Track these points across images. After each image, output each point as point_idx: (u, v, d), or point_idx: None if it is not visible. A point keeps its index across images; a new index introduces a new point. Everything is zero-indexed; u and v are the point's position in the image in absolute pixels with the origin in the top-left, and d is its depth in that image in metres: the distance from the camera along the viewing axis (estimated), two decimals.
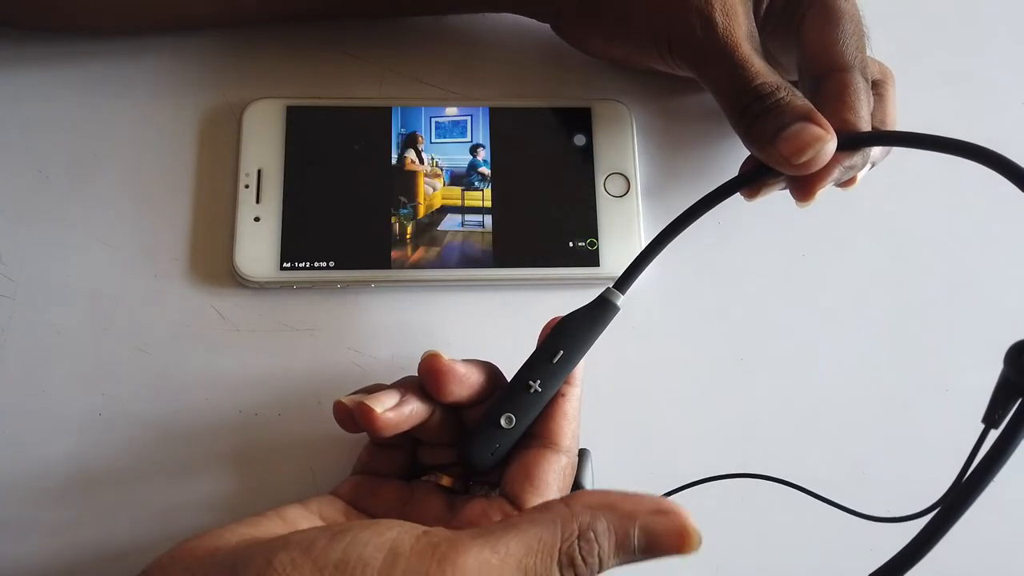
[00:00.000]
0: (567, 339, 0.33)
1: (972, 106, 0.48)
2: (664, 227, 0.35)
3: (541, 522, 0.25)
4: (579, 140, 0.44)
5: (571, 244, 0.42)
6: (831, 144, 0.33)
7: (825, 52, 0.36)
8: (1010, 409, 0.27)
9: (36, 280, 0.40)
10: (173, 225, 0.41)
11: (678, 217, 0.35)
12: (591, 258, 0.42)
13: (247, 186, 0.41)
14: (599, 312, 0.34)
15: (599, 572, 0.25)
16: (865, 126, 0.35)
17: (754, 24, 0.37)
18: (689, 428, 0.40)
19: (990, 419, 0.28)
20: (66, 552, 0.36)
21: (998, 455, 0.26)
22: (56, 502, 0.37)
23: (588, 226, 0.42)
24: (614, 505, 0.25)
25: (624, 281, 0.34)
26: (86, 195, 0.41)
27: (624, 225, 0.42)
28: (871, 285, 0.43)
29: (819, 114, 0.34)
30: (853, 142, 0.34)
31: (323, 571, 0.23)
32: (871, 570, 0.26)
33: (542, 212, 0.42)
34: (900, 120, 0.40)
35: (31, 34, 0.44)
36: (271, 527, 0.29)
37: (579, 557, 0.25)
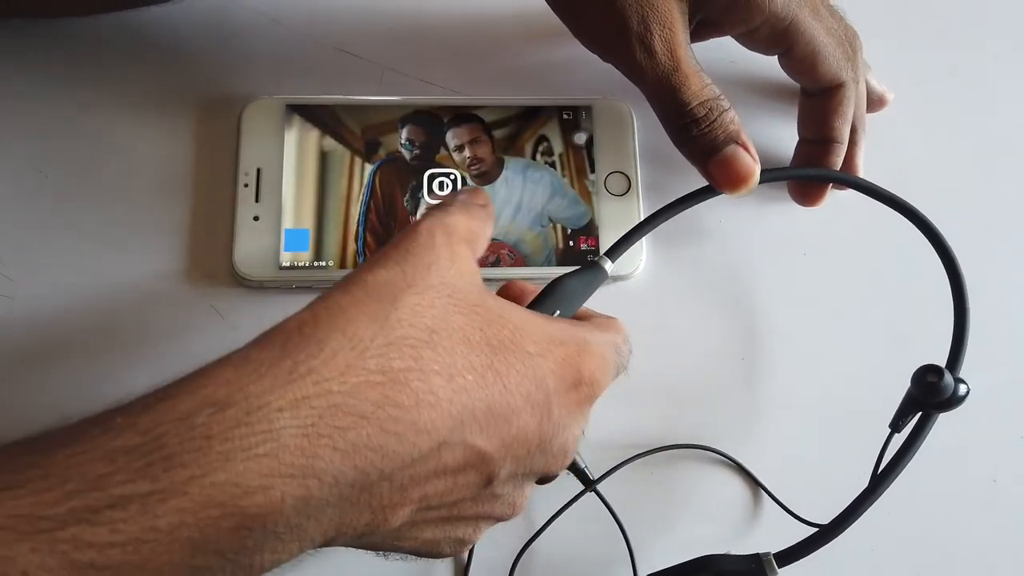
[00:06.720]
0: (561, 299, 0.34)
1: (972, 100, 0.47)
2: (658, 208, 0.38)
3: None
4: (580, 139, 0.44)
5: (571, 243, 0.42)
6: (756, 173, 0.38)
7: (818, 82, 0.40)
8: (911, 418, 0.33)
9: (36, 280, 0.40)
10: (172, 224, 0.41)
11: (671, 202, 0.38)
12: (592, 257, 0.41)
13: (246, 185, 0.41)
14: (589, 275, 0.35)
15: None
16: (844, 135, 0.41)
17: (687, 30, 0.38)
18: (691, 429, 0.40)
19: (895, 424, 0.33)
20: None
21: (899, 458, 0.33)
22: None
23: (588, 225, 0.42)
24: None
25: (616, 249, 0.37)
26: (86, 195, 0.41)
27: (625, 224, 0.42)
28: (873, 284, 0.43)
29: (744, 135, 0.38)
30: (771, 176, 0.39)
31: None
32: None
33: (542, 211, 0.42)
34: (903, 113, 0.42)
35: (31, 34, 0.44)
36: None
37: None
